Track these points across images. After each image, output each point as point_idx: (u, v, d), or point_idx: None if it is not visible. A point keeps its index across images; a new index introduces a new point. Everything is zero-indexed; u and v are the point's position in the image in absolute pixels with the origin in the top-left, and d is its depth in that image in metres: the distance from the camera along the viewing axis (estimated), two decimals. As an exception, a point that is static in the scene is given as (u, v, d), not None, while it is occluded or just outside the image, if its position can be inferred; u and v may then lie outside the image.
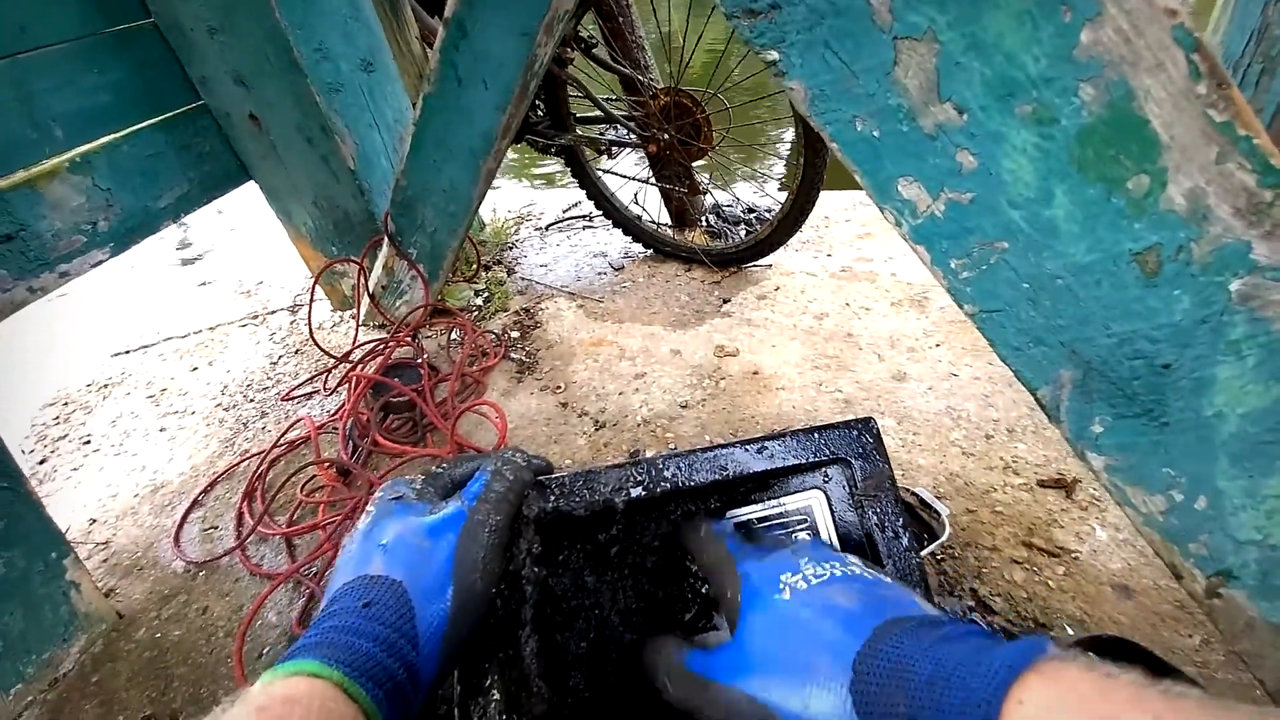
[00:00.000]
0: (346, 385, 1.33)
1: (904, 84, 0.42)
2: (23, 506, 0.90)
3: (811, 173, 1.30)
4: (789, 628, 0.35)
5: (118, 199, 1.18)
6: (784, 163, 2.60)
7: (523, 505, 0.49)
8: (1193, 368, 0.43)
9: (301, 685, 0.31)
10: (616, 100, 1.52)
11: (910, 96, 0.42)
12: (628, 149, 1.55)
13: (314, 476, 1.15)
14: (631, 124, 1.45)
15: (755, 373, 1.27)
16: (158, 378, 1.57)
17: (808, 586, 0.37)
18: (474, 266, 1.67)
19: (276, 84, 1.27)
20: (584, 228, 1.90)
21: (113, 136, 1.19)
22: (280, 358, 1.56)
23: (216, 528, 1.13)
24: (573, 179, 1.63)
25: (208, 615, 0.98)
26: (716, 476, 0.52)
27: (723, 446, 0.52)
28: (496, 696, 0.48)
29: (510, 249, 1.85)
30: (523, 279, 1.69)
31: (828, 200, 1.81)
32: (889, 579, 0.39)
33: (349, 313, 1.62)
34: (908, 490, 0.94)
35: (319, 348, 1.44)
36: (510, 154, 3.03)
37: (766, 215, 1.72)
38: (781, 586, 0.38)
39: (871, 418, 0.53)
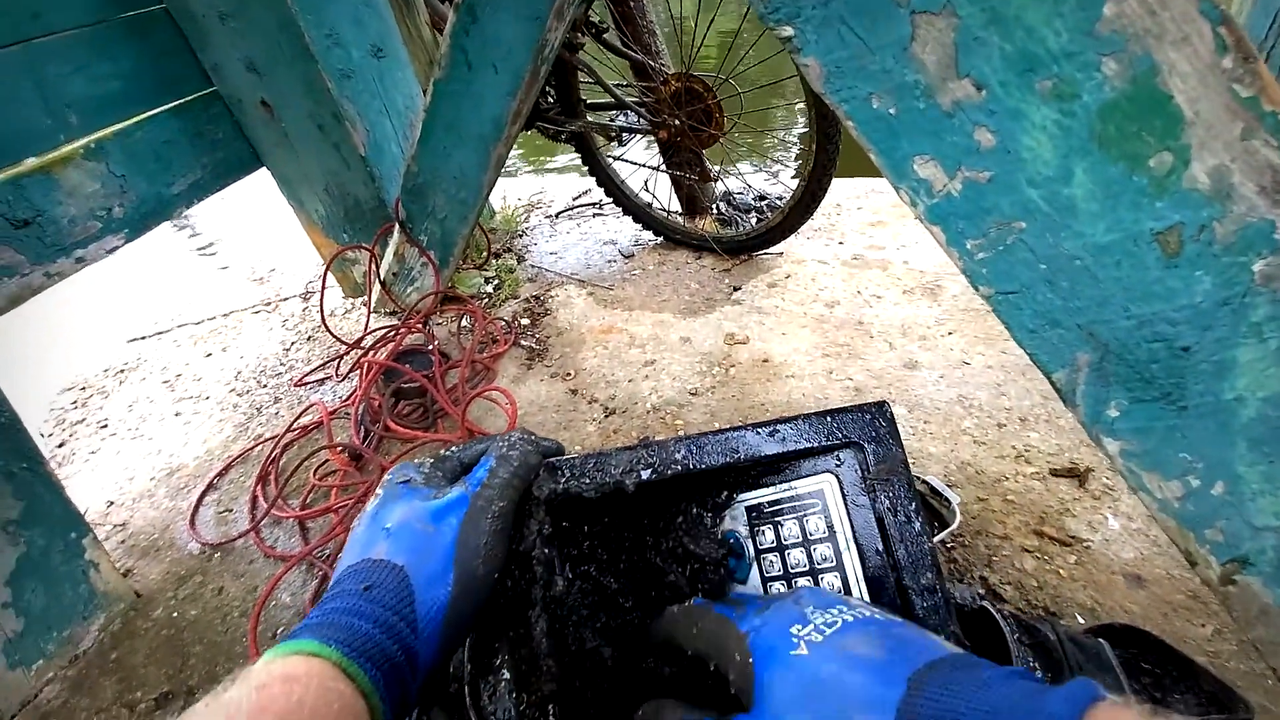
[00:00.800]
0: (358, 371, 1.33)
1: (921, 60, 0.41)
2: (42, 487, 0.92)
3: (823, 159, 1.28)
4: (815, 687, 0.32)
5: (132, 185, 1.19)
6: (796, 149, 2.58)
7: (532, 486, 0.49)
8: (1213, 350, 0.43)
9: (300, 664, 0.32)
10: (627, 86, 1.51)
11: (928, 72, 0.42)
12: (638, 135, 1.54)
13: (327, 460, 1.16)
14: (642, 110, 1.44)
15: (765, 360, 1.26)
16: (173, 363, 1.59)
17: (823, 638, 0.34)
18: (484, 254, 1.67)
19: (288, 71, 1.27)
20: (594, 215, 1.89)
21: (126, 123, 1.19)
22: (293, 344, 1.57)
23: (231, 510, 1.14)
24: (583, 166, 1.62)
25: (223, 595, 1.00)
26: (727, 459, 0.51)
27: (734, 429, 0.52)
28: (507, 676, 0.48)
29: (520, 236, 1.85)
30: (533, 266, 1.68)
31: (839, 187, 1.79)
32: (899, 618, 0.37)
33: (360, 300, 1.63)
34: (918, 478, 0.94)
35: (331, 334, 1.45)
36: (517, 147, 3.03)
37: (778, 202, 1.71)
38: (795, 640, 0.34)
39: (885, 401, 0.52)
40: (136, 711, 0.87)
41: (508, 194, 2.09)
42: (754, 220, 1.68)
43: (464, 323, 1.46)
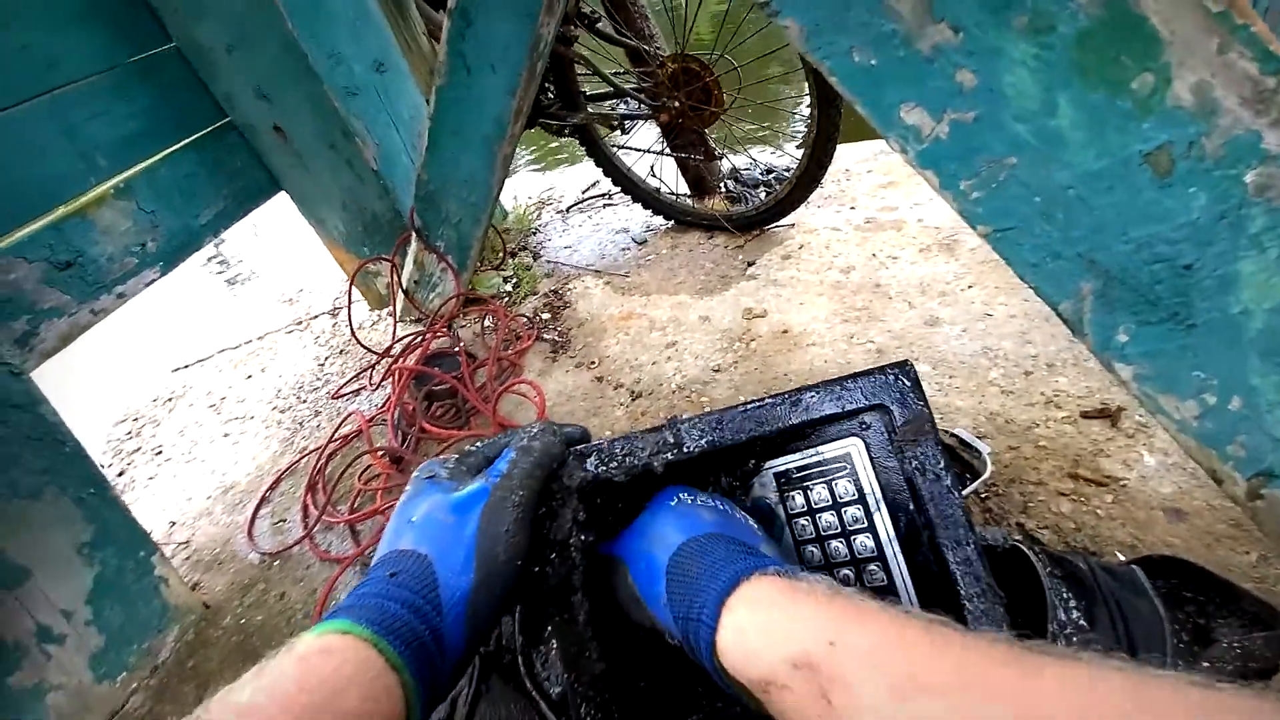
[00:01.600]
0: (390, 379, 1.38)
1: (897, 8, 0.42)
2: (110, 510, 0.98)
3: (826, 125, 1.28)
4: (653, 526, 0.48)
5: (162, 220, 1.25)
6: (801, 119, 2.56)
7: (563, 475, 0.51)
8: (1215, 265, 0.43)
9: (336, 640, 0.35)
10: (625, 73, 1.52)
11: (904, 20, 0.42)
12: (640, 121, 1.56)
13: (369, 466, 1.20)
14: (641, 95, 1.45)
15: (785, 331, 1.27)
16: (216, 387, 1.66)
17: (691, 502, 0.49)
18: (500, 254, 1.71)
19: (295, 93, 1.31)
20: (604, 206, 1.91)
21: (150, 161, 1.25)
22: (327, 359, 1.62)
23: (285, 520, 1.20)
24: (590, 158, 1.64)
25: (285, 600, 1.05)
26: (752, 432, 0.52)
27: (756, 402, 0.52)
28: (556, 646, 0.50)
29: (534, 234, 1.88)
30: (549, 262, 1.71)
31: (847, 153, 1.78)
32: (732, 515, 0.49)
33: (386, 310, 1.68)
34: (946, 432, 0.94)
35: (361, 345, 1.50)
36: (523, 148, 3.05)
37: (785, 174, 1.70)
38: (675, 501, 0.49)
39: (908, 360, 0.51)
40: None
41: (518, 193, 2.12)
42: (763, 194, 1.68)
43: (487, 323, 1.49)
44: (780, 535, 0.56)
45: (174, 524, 1.27)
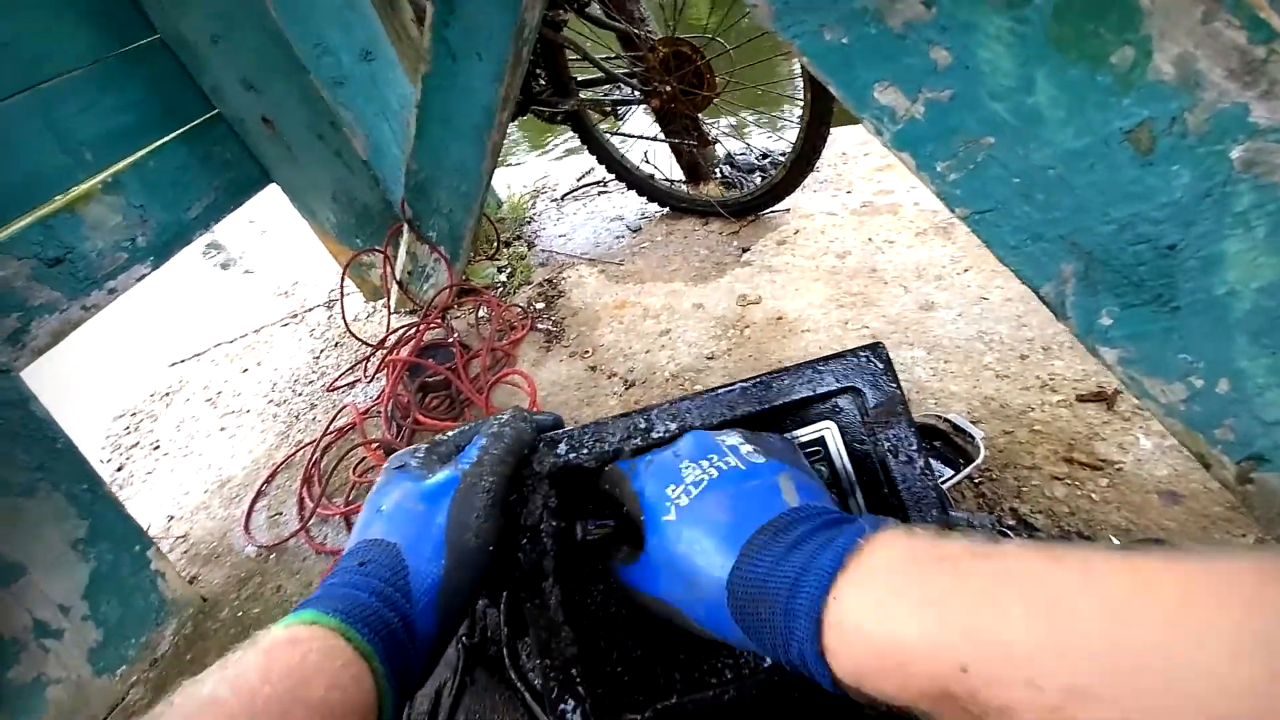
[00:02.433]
0: (385, 371, 1.38)
1: (867, -15, 0.41)
2: (104, 506, 0.98)
3: (819, 108, 1.26)
4: (676, 552, 0.39)
5: (151, 214, 1.24)
6: (796, 101, 2.53)
7: (534, 461, 0.51)
8: (1199, 245, 0.42)
9: (302, 630, 0.34)
10: (616, 58, 1.50)
11: (875, -3, 0.41)
12: (632, 107, 1.54)
13: (364, 458, 1.21)
14: (633, 80, 1.43)
15: (779, 318, 1.26)
16: (213, 382, 1.66)
17: (688, 501, 0.40)
18: (494, 244, 1.70)
19: (283, 84, 1.30)
20: (599, 194, 1.89)
21: (139, 154, 1.24)
22: (322, 351, 1.62)
23: (281, 513, 1.20)
24: (582, 145, 1.62)
25: (282, 592, 1.06)
26: (724, 416, 0.52)
27: (725, 387, 0.52)
28: (530, 633, 0.50)
29: (528, 223, 1.86)
30: (543, 251, 1.70)
31: (844, 136, 1.76)
32: (760, 455, 0.42)
33: (380, 302, 1.68)
34: (940, 417, 0.93)
35: (356, 338, 1.49)
36: (516, 131, 3.02)
37: (780, 159, 1.68)
38: (668, 506, 0.40)
39: (880, 343, 0.51)
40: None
41: (512, 182, 2.11)
42: (758, 179, 1.66)
43: (481, 313, 1.49)
44: None
45: (172, 518, 1.28)
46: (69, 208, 1.12)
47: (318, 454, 1.25)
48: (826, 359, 0.51)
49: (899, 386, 0.51)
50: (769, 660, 0.49)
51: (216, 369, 1.72)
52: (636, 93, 1.45)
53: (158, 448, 1.50)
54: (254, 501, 1.23)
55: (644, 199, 1.69)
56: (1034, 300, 1.14)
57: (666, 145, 1.64)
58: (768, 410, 0.52)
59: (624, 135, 1.60)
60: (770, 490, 0.38)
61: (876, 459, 0.51)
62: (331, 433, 1.29)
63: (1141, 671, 0.22)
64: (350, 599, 0.37)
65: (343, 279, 1.51)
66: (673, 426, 0.51)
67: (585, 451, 0.51)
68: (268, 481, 1.27)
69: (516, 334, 1.40)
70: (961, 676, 0.25)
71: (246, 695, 0.31)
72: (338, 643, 0.34)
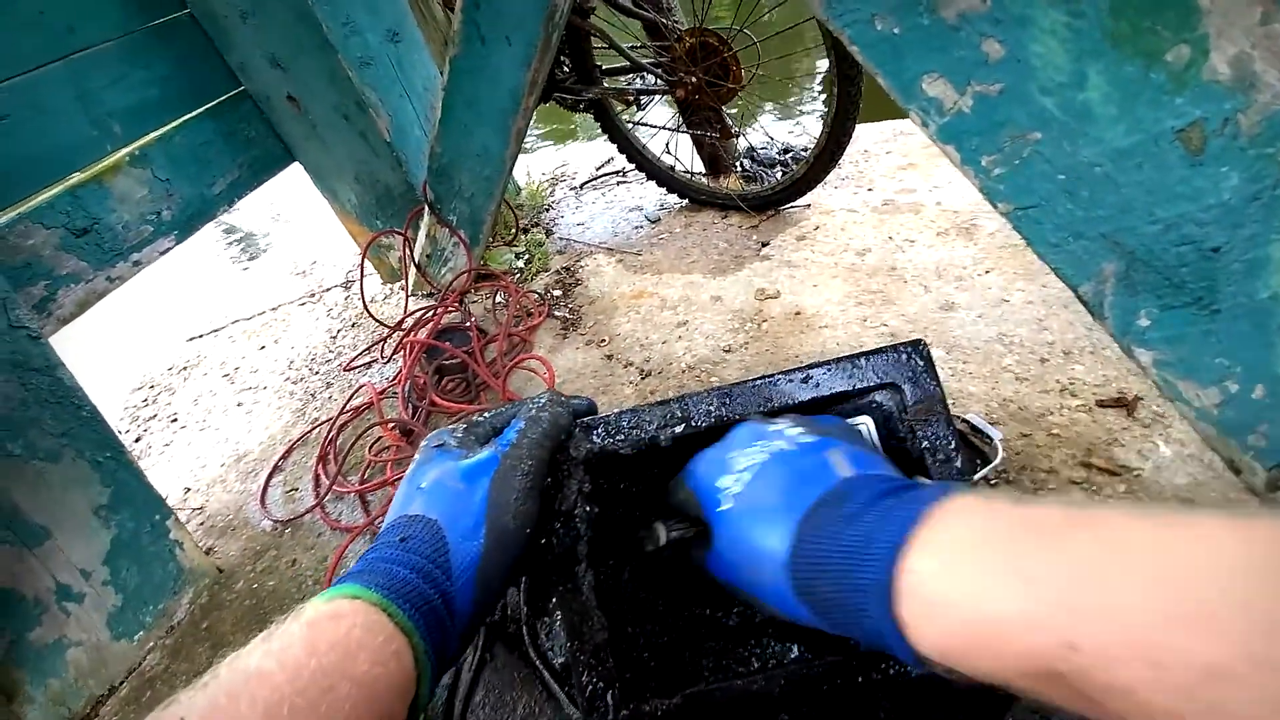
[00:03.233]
0: (402, 352, 1.38)
1: (923, -25, 0.41)
2: (126, 474, 0.99)
3: (845, 103, 1.26)
4: (737, 542, 0.39)
5: (176, 188, 1.25)
6: (820, 96, 2.51)
7: (570, 446, 0.51)
8: (1245, 249, 0.42)
9: (345, 604, 0.34)
10: (641, 47, 1.50)
11: (930, -12, 0.41)
12: (656, 96, 1.53)
13: (380, 438, 1.21)
14: (658, 70, 1.43)
15: (797, 313, 1.26)
16: (230, 358, 1.68)
17: (740, 489, 0.40)
18: (513, 230, 1.70)
19: (310, 63, 1.30)
20: (618, 183, 1.89)
21: (166, 129, 1.25)
22: (339, 331, 1.63)
23: (297, 489, 1.21)
24: (604, 133, 1.62)
25: (296, 567, 1.07)
26: (762, 407, 0.51)
27: (766, 378, 0.52)
28: (560, 616, 0.51)
29: (547, 210, 1.86)
30: (561, 238, 1.70)
31: (866, 133, 1.75)
32: (810, 435, 0.41)
33: (398, 284, 1.68)
34: (958, 417, 0.93)
35: (374, 319, 1.50)
36: (537, 122, 3.02)
37: (802, 154, 1.68)
38: (722, 499, 0.41)
39: (921, 339, 0.50)
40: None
41: (531, 169, 2.11)
42: (779, 174, 1.66)
43: (498, 298, 1.49)
44: None
45: (189, 490, 1.29)
46: (97, 179, 1.13)
47: (334, 432, 1.26)
48: (867, 354, 0.50)
49: (939, 385, 0.50)
50: (796, 650, 0.50)
51: (234, 345, 1.73)
52: (661, 83, 1.44)
53: (175, 420, 1.51)
54: (270, 476, 1.24)
55: (663, 190, 1.68)
56: (1055, 304, 1.14)
57: (688, 137, 1.63)
58: (806, 403, 0.51)
59: (646, 125, 1.60)
60: (821, 465, 0.38)
61: (914, 456, 0.50)
62: (348, 411, 1.30)
63: None
64: (391, 575, 0.37)
65: (362, 260, 1.52)
66: (710, 416, 0.51)
67: (621, 438, 0.51)
68: (284, 457, 1.28)
69: (533, 320, 1.40)
70: (1069, 654, 0.24)
71: (292, 668, 0.31)
72: (380, 618, 0.34)
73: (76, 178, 1.11)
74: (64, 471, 0.91)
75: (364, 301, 1.50)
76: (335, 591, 0.36)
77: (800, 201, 1.55)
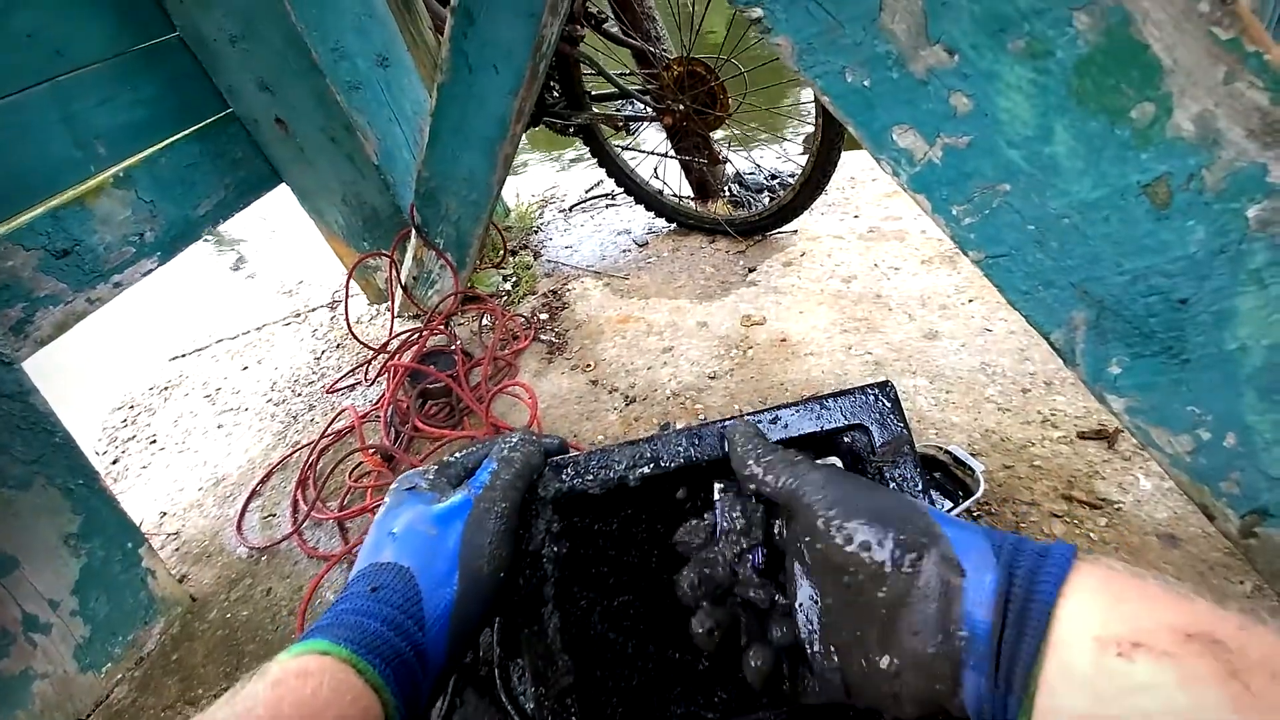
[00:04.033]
0: (386, 375, 1.37)
1: (891, 29, 0.41)
2: (98, 501, 0.97)
3: (831, 132, 1.27)
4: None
5: (161, 210, 1.25)
6: (807, 124, 2.54)
7: (538, 486, 0.50)
8: (1212, 300, 0.42)
9: (313, 661, 0.34)
10: (630, 74, 1.51)
11: (899, 41, 0.41)
12: (644, 123, 1.54)
13: (361, 463, 1.20)
14: (646, 97, 1.44)
15: (783, 340, 1.26)
16: (213, 378, 1.66)
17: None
18: (501, 252, 1.70)
19: (298, 86, 1.31)
20: (606, 206, 1.90)
21: (151, 150, 1.24)
22: (323, 352, 1.62)
23: (274, 515, 1.19)
24: (593, 158, 1.63)
25: (271, 596, 1.05)
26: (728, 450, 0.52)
27: (734, 419, 0.52)
28: (525, 659, 0.50)
29: (535, 232, 1.87)
30: (549, 261, 1.71)
31: (853, 160, 1.77)
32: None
33: (384, 305, 1.68)
34: (940, 448, 0.93)
35: (358, 340, 1.49)
36: (527, 140, 3.04)
37: (790, 180, 1.69)
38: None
39: (888, 381, 0.51)
40: (200, 708, 0.92)
41: (521, 191, 2.11)
42: (766, 200, 1.67)
43: (485, 321, 1.49)
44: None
45: (164, 514, 1.27)
46: (79, 200, 1.12)
47: (314, 456, 1.25)
48: (835, 395, 0.50)
49: (906, 426, 0.50)
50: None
51: (217, 365, 1.71)
52: (649, 109, 1.46)
53: (154, 441, 1.49)
54: (248, 502, 1.23)
55: (652, 214, 1.69)
56: (1037, 335, 1.14)
57: (676, 161, 1.64)
58: (775, 444, 0.51)
59: (635, 150, 1.61)
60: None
61: None
62: (329, 435, 1.29)
63: None
64: (362, 628, 0.36)
65: (348, 281, 1.52)
66: (680, 456, 0.51)
67: (590, 478, 0.51)
68: (263, 482, 1.27)
69: (519, 344, 1.39)
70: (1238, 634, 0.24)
71: None
72: (348, 675, 0.34)
73: (59, 199, 1.10)
74: (34, 499, 0.89)
75: (348, 323, 1.50)
76: (303, 647, 0.35)
77: (787, 227, 1.56)
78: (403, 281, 1.51)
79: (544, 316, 1.49)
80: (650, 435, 0.52)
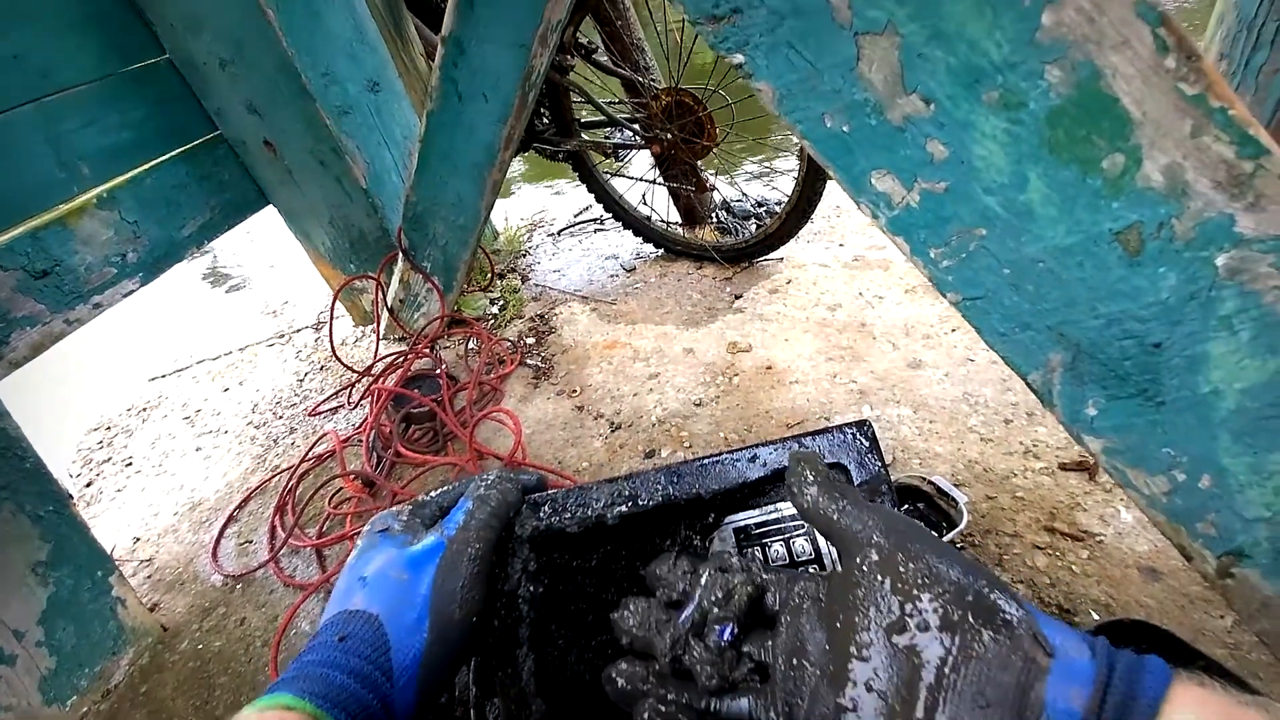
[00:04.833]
0: (369, 399, 1.36)
1: (869, 78, 0.42)
2: (69, 528, 0.95)
3: (816, 163, 1.29)
4: None
5: (144, 231, 1.24)
6: (795, 154, 2.58)
7: (515, 525, 0.50)
8: (1185, 345, 0.43)
9: (276, 717, 0.33)
10: (619, 103, 1.53)
11: (876, 90, 0.42)
12: (633, 151, 1.56)
13: (341, 489, 1.18)
14: (634, 125, 1.45)
15: (769, 368, 1.27)
16: (192, 399, 1.64)
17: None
18: (488, 276, 1.70)
19: (288, 110, 1.31)
20: (595, 231, 1.91)
21: (137, 171, 1.24)
22: (306, 374, 1.60)
23: (251, 541, 1.17)
24: (582, 184, 1.64)
25: (245, 626, 1.02)
26: (710, 488, 0.51)
27: (713, 457, 0.52)
28: (498, 702, 0.49)
29: (523, 256, 1.87)
30: (536, 285, 1.71)
31: (838, 189, 1.79)
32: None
33: (370, 328, 1.67)
34: (924, 479, 0.93)
35: (342, 363, 1.48)
36: (517, 163, 3.06)
37: (776, 208, 1.71)
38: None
39: (867, 420, 0.51)
40: (166, 743, 0.89)
41: (510, 214, 2.12)
42: (753, 227, 1.69)
43: (471, 345, 1.48)
44: None
45: (138, 540, 1.24)
46: (60, 221, 1.11)
47: (294, 481, 1.23)
48: (813, 433, 0.51)
49: (884, 465, 0.51)
50: None
51: (197, 386, 1.69)
52: (638, 138, 1.47)
53: (130, 464, 1.46)
54: (224, 527, 1.20)
55: (639, 239, 1.70)
56: (1020, 365, 1.15)
57: (664, 189, 1.66)
58: (753, 482, 0.51)
59: (623, 176, 1.62)
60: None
61: None
62: (309, 459, 1.27)
63: None
64: (328, 681, 0.35)
65: (333, 303, 1.51)
66: (658, 494, 0.50)
67: (568, 516, 0.50)
68: (240, 507, 1.24)
69: (505, 368, 1.39)
70: None
71: None
72: None
73: (39, 219, 1.09)
74: (1, 527, 0.87)
75: (332, 344, 1.48)
76: (267, 701, 0.34)
77: (773, 255, 1.57)
78: (389, 304, 1.50)
79: (530, 341, 1.49)
80: (629, 473, 0.52)
